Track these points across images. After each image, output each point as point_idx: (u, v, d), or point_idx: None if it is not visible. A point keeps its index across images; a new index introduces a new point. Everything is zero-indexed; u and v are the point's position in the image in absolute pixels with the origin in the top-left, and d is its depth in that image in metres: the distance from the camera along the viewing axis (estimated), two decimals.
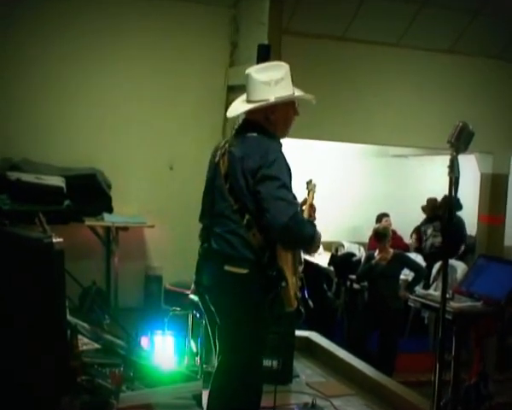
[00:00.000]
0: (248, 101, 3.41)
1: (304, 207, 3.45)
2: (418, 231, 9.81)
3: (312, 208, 3.49)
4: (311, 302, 3.41)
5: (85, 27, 6.95)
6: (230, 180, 3.26)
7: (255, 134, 3.32)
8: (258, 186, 3.15)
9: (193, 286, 3.56)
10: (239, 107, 3.49)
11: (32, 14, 6.74)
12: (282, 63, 3.51)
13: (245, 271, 3.22)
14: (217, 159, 3.38)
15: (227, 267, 3.24)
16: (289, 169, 3.28)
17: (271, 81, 3.35)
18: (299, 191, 3.46)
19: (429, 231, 9.48)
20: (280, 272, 3.19)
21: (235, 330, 3.31)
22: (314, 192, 3.54)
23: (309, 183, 3.57)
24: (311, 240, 3.29)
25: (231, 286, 3.25)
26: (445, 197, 7.63)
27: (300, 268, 3.38)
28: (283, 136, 3.46)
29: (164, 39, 7.26)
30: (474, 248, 9.33)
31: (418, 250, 9.48)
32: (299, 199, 3.43)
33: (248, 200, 3.20)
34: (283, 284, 3.19)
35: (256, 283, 3.24)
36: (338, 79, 8.01)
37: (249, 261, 3.23)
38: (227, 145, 3.37)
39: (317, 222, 3.51)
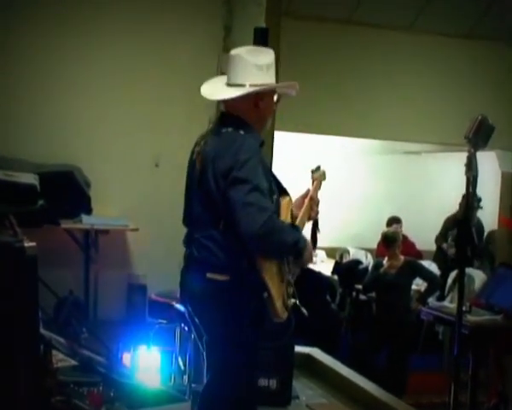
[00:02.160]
0: (238, 85, 3.39)
1: (305, 200, 3.45)
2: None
3: (314, 201, 3.48)
4: (304, 310, 3.38)
5: (62, 11, 6.96)
6: (202, 183, 3.28)
7: (231, 129, 3.32)
8: (229, 190, 3.15)
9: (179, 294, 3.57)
10: (225, 91, 3.46)
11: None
12: (269, 49, 3.54)
13: (227, 277, 3.23)
14: (194, 156, 3.40)
15: (209, 275, 3.25)
16: (267, 169, 3.28)
17: (263, 66, 3.37)
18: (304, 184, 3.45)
19: (449, 239, 9.39)
20: (260, 282, 3.19)
21: (222, 344, 3.31)
22: (321, 182, 3.52)
23: (314, 171, 3.55)
24: (291, 248, 3.25)
25: (215, 295, 3.26)
26: (463, 198, 7.66)
27: (290, 275, 3.35)
28: (262, 130, 3.46)
29: (149, 22, 7.25)
30: (493, 255, 9.33)
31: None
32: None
33: (220, 204, 3.21)
34: (265, 294, 3.19)
35: (241, 291, 3.25)
36: (343, 68, 8.02)
37: (231, 267, 3.24)
38: (203, 142, 3.38)
39: (318, 227, 3.51)
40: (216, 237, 3.26)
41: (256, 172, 3.18)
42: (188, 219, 3.46)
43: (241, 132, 3.29)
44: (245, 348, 3.33)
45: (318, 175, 3.53)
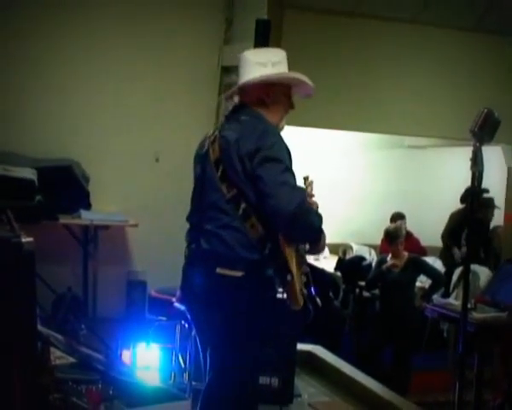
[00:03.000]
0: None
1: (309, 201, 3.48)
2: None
3: (315, 205, 3.51)
4: (319, 300, 3.40)
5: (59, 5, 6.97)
6: (223, 166, 3.27)
7: (249, 117, 3.35)
8: (259, 170, 3.16)
9: (178, 292, 3.56)
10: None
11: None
12: (280, 49, 3.59)
13: (240, 273, 3.22)
14: (205, 149, 3.40)
15: (219, 270, 3.23)
16: (290, 154, 3.30)
17: (268, 62, 3.43)
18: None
19: (463, 239, 9.18)
20: (284, 264, 3.20)
21: (229, 344, 3.31)
22: (312, 189, 3.57)
23: (306, 179, 3.59)
24: (319, 232, 3.29)
25: (224, 293, 3.24)
26: (467, 191, 7.64)
27: (305, 266, 3.39)
28: (277, 127, 3.48)
29: (149, 14, 7.25)
30: (496, 251, 9.31)
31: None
32: None
33: (246, 186, 3.21)
34: (288, 277, 3.20)
35: (254, 288, 3.24)
36: (347, 61, 8.01)
37: (245, 261, 3.23)
38: (217, 132, 3.39)
39: None
40: (232, 226, 3.25)
41: (284, 155, 3.23)
42: (198, 211, 3.44)
43: (261, 120, 3.35)
44: (250, 347, 3.33)
45: (310, 183, 3.58)
